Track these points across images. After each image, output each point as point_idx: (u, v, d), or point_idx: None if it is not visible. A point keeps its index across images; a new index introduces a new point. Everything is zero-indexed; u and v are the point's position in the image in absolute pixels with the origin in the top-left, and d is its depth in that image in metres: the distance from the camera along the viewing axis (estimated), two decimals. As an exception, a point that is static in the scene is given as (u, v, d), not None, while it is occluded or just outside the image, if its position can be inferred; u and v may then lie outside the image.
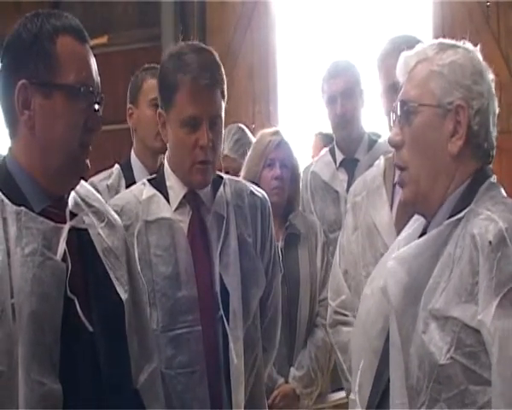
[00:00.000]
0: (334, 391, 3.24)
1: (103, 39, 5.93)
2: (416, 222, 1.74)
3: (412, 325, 1.54)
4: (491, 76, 1.65)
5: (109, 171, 3.09)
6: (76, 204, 1.74)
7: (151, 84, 2.90)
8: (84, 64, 1.66)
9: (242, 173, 3.12)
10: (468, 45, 1.67)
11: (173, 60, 2.18)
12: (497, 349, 1.40)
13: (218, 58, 2.20)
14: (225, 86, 2.20)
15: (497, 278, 1.43)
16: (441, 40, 1.70)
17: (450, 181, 1.61)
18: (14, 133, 1.67)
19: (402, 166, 1.68)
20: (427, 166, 1.62)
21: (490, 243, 1.45)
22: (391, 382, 1.61)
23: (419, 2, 5.82)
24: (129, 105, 3.12)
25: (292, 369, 3.01)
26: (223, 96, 2.19)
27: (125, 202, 2.24)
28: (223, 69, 2.19)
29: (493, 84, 1.65)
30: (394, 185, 2.45)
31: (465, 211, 1.56)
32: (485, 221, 1.50)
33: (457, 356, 1.46)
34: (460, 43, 1.67)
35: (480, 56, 1.65)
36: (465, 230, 1.52)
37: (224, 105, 2.20)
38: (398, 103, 1.67)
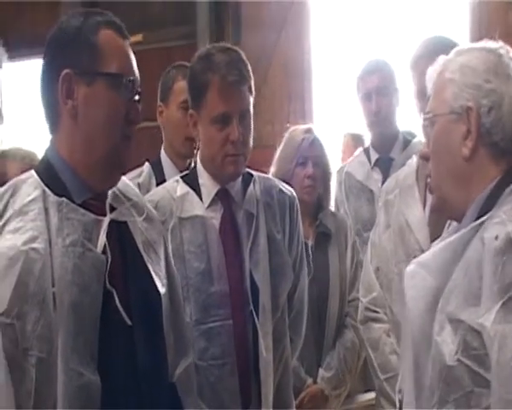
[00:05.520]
0: (364, 392, 3.22)
1: (138, 37, 5.97)
2: (452, 226, 1.74)
3: (431, 328, 1.53)
4: None
5: (140, 169, 3.08)
6: (115, 197, 1.75)
7: (182, 86, 2.86)
8: (126, 56, 1.70)
9: (274, 169, 3.09)
10: (489, 44, 1.62)
11: (202, 61, 2.26)
12: (496, 353, 1.38)
13: (244, 56, 2.28)
14: (252, 82, 2.27)
15: (501, 281, 1.40)
16: (460, 46, 1.68)
17: (469, 185, 1.58)
18: (56, 125, 1.69)
19: (429, 175, 1.71)
20: (444, 171, 1.61)
21: (495, 246, 1.43)
22: (405, 381, 1.62)
23: (456, 2, 5.79)
24: (159, 103, 3.11)
25: (320, 370, 2.99)
26: (250, 92, 2.26)
27: (159, 198, 2.30)
28: (249, 66, 2.26)
29: None
30: (427, 184, 2.46)
31: (488, 215, 1.52)
32: (496, 225, 1.47)
33: (464, 358, 1.44)
34: (479, 44, 1.64)
35: (503, 52, 1.60)
36: (481, 233, 1.49)
37: (252, 100, 2.27)
38: (423, 117, 1.68)
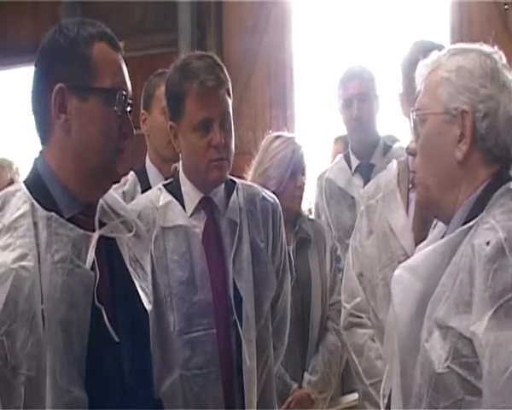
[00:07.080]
0: (344, 394, 3.26)
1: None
2: (437, 229, 1.73)
3: (419, 333, 1.53)
4: (510, 77, 1.58)
5: (124, 178, 3.05)
6: (104, 212, 1.73)
7: (163, 91, 2.87)
8: (119, 70, 1.69)
9: (261, 179, 3.01)
10: (484, 47, 1.62)
11: (178, 71, 2.26)
12: (488, 361, 1.37)
13: (219, 61, 2.28)
14: (230, 85, 2.27)
15: (492, 289, 1.39)
16: (455, 45, 1.66)
17: (459, 187, 1.57)
18: (47, 138, 1.67)
19: (415, 171, 1.71)
20: (434, 172, 1.60)
21: (486, 253, 1.42)
22: (392, 387, 1.62)
23: (437, 4, 5.83)
24: (142, 111, 3.12)
25: (306, 374, 3.01)
26: (229, 95, 2.27)
27: (142, 208, 2.30)
28: (226, 70, 2.27)
29: None
30: (409, 189, 2.48)
31: (476, 219, 1.51)
32: (486, 231, 1.46)
33: (454, 366, 1.43)
34: (474, 46, 1.62)
35: (497, 58, 1.60)
36: (471, 239, 1.49)
37: (231, 103, 2.27)
38: (412, 112, 1.67)
